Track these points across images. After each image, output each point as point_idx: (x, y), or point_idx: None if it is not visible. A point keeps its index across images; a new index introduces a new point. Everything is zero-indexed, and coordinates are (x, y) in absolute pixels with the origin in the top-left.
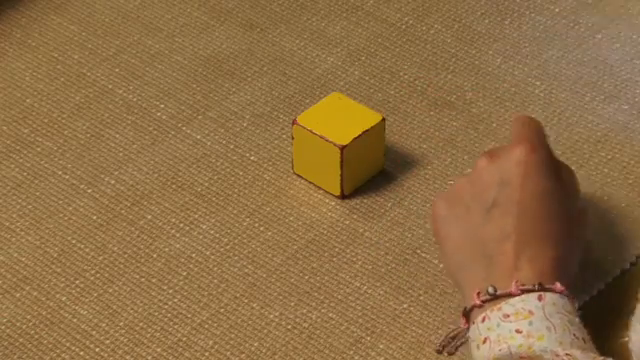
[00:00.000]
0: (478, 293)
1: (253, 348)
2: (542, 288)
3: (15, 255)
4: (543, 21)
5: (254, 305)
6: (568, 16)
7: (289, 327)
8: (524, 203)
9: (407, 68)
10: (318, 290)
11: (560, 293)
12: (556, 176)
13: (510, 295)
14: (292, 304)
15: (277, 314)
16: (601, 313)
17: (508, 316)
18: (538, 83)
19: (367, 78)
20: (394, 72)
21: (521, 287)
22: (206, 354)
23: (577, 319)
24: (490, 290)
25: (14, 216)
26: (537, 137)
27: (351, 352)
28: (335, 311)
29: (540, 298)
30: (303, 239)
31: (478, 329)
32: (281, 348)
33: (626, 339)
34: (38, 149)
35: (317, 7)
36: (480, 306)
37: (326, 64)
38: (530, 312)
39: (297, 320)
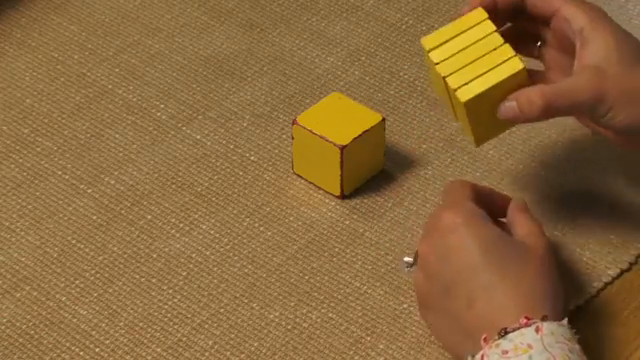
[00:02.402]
0: None
1: (253, 348)
2: (505, 332)
3: (15, 255)
4: None
5: (254, 305)
6: None
7: (289, 327)
8: (470, 264)
9: (407, 68)
10: (318, 290)
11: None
12: (491, 220)
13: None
14: (292, 304)
15: (277, 314)
16: (600, 313)
17: (507, 352)
18: None
19: (367, 78)
20: (394, 72)
21: (491, 342)
22: (206, 354)
23: (577, 346)
24: (469, 359)
25: (14, 216)
26: (457, 197)
27: (351, 352)
28: (335, 311)
29: (538, 330)
30: (303, 239)
31: None
32: (281, 348)
33: None
34: (38, 149)
35: (317, 7)
36: None
37: (326, 64)
38: (529, 345)
39: (297, 320)
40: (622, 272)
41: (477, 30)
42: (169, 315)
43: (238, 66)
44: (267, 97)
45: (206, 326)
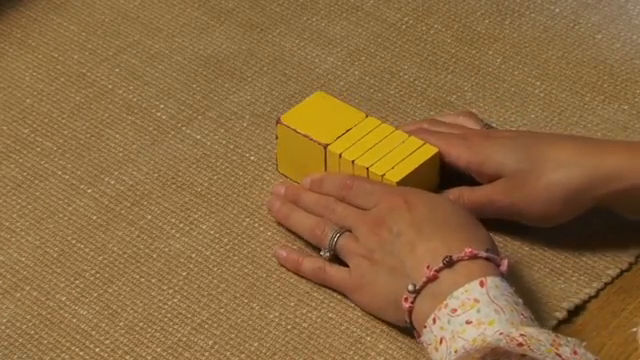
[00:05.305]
0: (405, 298)
1: (253, 348)
2: (450, 261)
3: (15, 255)
4: (543, 21)
5: (254, 305)
6: (568, 16)
7: (289, 327)
8: (416, 218)
9: (407, 68)
10: (318, 290)
11: (471, 258)
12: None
13: (428, 281)
14: (292, 304)
15: (277, 314)
16: (600, 313)
17: (455, 310)
18: (538, 83)
19: (367, 78)
20: (394, 72)
21: (434, 268)
22: (206, 354)
23: (520, 300)
24: (410, 288)
25: (14, 216)
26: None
27: (351, 352)
28: (335, 311)
29: (482, 284)
30: (303, 239)
31: (432, 331)
32: (281, 348)
33: (634, 329)
34: (38, 149)
35: (317, 7)
36: (410, 308)
37: (326, 64)
38: (475, 300)
39: (297, 320)
40: (622, 272)
41: (379, 132)
42: (169, 315)
43: (238, 66)
44: (267, 97)
45: (206, 326)
